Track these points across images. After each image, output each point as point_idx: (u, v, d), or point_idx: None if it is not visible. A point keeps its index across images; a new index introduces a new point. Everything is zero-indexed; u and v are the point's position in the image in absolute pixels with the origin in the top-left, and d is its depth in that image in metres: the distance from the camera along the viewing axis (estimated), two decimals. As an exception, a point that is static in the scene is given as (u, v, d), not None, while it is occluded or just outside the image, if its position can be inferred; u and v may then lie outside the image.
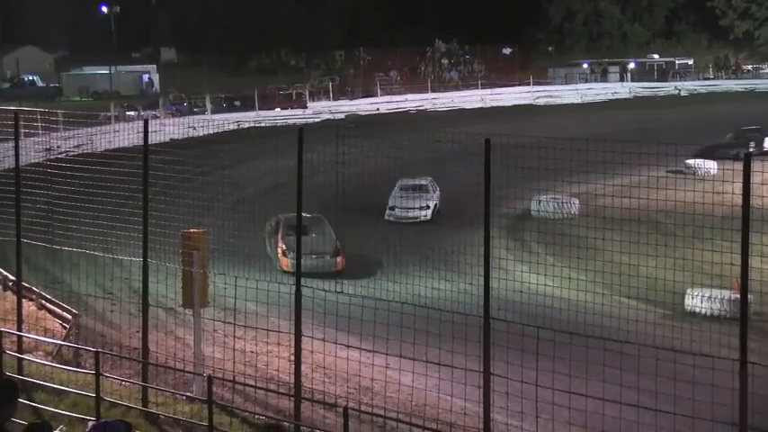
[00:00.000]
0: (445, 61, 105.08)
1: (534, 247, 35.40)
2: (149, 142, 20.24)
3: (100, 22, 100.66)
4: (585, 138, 16.61)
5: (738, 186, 13.51)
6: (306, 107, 74.54)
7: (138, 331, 21.61)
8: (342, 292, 19.15)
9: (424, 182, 45.53)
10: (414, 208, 43.41)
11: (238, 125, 63.57)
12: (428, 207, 43.92)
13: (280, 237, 36.07)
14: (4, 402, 8.22)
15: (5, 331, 20.81)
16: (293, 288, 18.24)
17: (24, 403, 17.38)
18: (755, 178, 13.60)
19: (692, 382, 14.92)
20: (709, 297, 28.47)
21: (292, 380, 18.83)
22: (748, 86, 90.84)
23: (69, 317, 23.94)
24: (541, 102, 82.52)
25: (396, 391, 20.07)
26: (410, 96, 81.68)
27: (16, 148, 21.67)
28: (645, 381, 16.23)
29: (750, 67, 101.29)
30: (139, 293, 21.39)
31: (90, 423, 7.82)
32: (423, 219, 43.27)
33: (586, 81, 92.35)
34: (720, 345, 16.52)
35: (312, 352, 19.99)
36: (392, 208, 43.65)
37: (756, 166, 13.42)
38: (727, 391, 14.28)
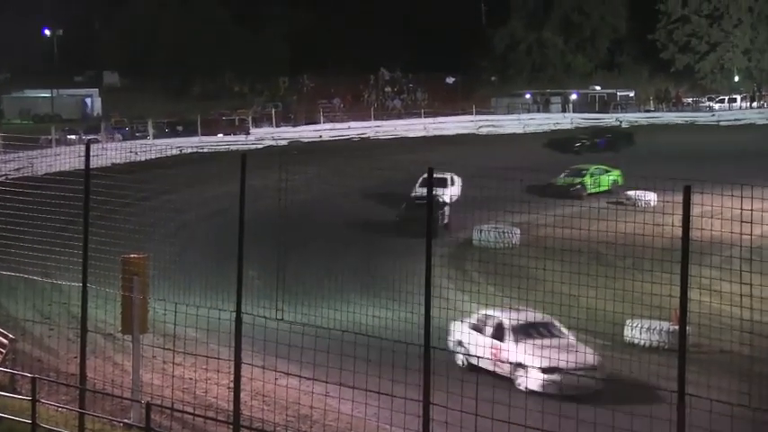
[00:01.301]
0: (389, 89, 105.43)
1: (475, 277, 35.51)
2: (91, 166, 20.09)
3: (42, 45, 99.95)
4: (527, 168, 16.71)
5: (678, 218, 13.64)
6: (248, 133, 74.52)
7: (75, 357, 21.39)
8: (282, 319, 19.07)
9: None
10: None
11: (180, 150, 63.41)
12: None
13: None
14: None
15: (-60, 356, 20.52)
16: (233, 315, 18.15)
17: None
18: (695, 210, 13.74)
19: (631, 413, 15.02)
20: (648, 328, 28.69)
21: (231, 407, 18.71)
22: (688, 119, 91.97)
23: (6, 341, 23.65)
24: (484, 131, 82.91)
25: (335, 419, 20.01)
26: (353, 124, 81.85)
27: (-45, 170, 21.43)
28: (584, 412, 16.30)
29: (690, 99, 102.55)
30: (78, 319, 21.19)
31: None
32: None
33: (529, 111, 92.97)
34: (659, 376, 16.64)
35: (252, 379, 19.87)
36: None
37: (696, 198, 13.54)
38: (665, 423, 14.38)
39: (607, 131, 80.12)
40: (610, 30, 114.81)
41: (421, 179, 45.67)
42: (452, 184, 49.42)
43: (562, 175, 57.02)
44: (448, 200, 46.19)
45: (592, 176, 58.06)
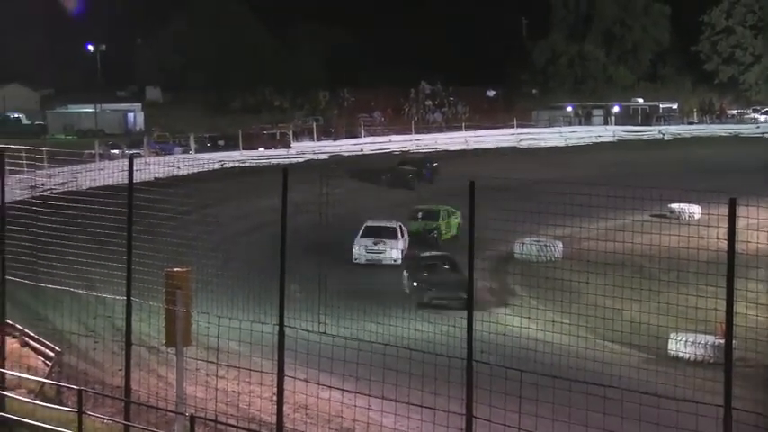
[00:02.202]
0: (429, 103, 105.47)
1: (517, 290, 35.42)
2: (134, 180, 20.22)
3: (86, 61, 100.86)
4: (569, 181, 16.64)
5: (723, 231, 13.54)
6: (289, 147, 74.67)
7: (120, 369, 21.49)
8: (325, 332, 19.10)
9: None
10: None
11: (222, 164, 63.68)
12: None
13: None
14: None
15: (-13, 368, 20.70)
16: (276, 328, 18.19)
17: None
18: (740, 223, 13.63)
19: (675, 427, 14.89)
20: (693, 342, 28.49)
21: (274, 420, 18.74)
22: (732, 131, 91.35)
23: (52, 354, 23.83)
24: (525, 144, 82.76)
25: (378, 432, 19.98)
26: (394, 137, 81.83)
27: (2, 185, 21.61)
28: (628, 425, 16.19)
29: (735, 111, 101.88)
30: (122, 332, 21.30)
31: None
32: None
33: (570, 124, 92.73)
34: (704, 390, 16.50)
35: (294, 392, 19.92)
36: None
37: (741, 211, 13.44)
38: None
39: (426, 160, 69.75)
40: (652, 42, 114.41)
41: (363, 228, 45.18)
42: (402, 235, 46.08)
43: (418, 217, 49.90)
44: (396, 256, 44.41)
45: (443, 220, 49.60)
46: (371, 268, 43.58)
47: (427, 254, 41.60)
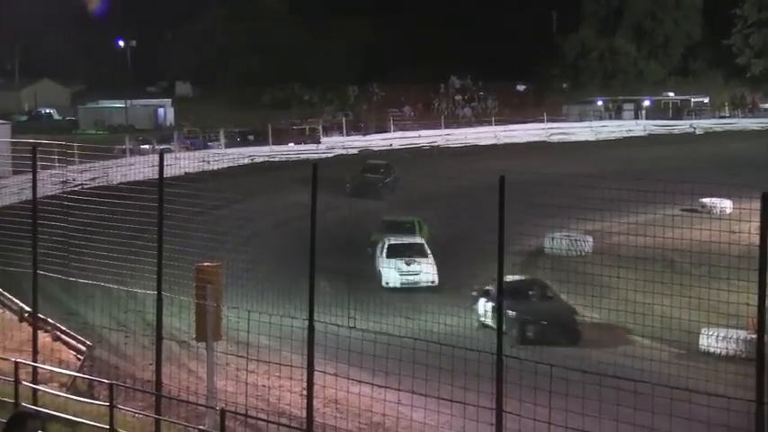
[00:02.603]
0: (459, 97, 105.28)
1: (548, 284, 35.30)
2: (164, 175, 20.30)
3: (116, 56, 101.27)
4: (599, 175, 16.60)
5: (754, 226, 13.46)
6: (319, 142, 74.72)
7: (151, 364, 21.59)
8: (354, 327, 19.12)
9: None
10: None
11: (252, 159, 63.87)
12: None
13: None
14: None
15: (21, 362, 20.82)
16: (306, 323, 18.23)
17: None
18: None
19: (707, 422, 14.83)
20: (725, 337, 28.33)
21: (304, 414, 18.77)
22: (765, 125, 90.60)
23: (84, 348, 23.98)
24: (555, 139, 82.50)
25: (407, 426, 19.98)
26: (423, 132, 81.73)
27: (34, 180, 21.75)
28: (659, 420, 16.13)
29: (767, 105, 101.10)
30: (153, 326, 21.39)
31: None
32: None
33: (601, 118, 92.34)
34: (736, 385, 16.43)
35: (324, 387, 19.95)
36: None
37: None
38: (743, 433, 14.20)
39: (389, 166, 61.52)
40: (683, 35, 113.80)
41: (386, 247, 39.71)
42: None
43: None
44: (434, 278, 38.50)
45: (420, 231, 44.14)
46: (406, 293, 37.30)
47: (511, 278, 30.77)
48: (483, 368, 16.39)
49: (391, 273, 38.74)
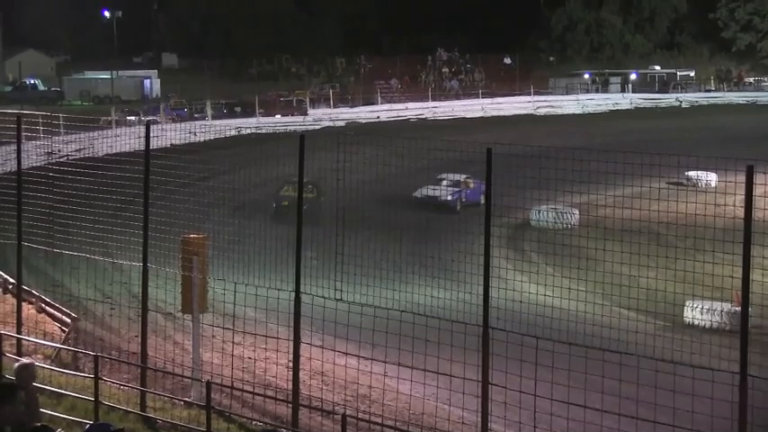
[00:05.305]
0: (446, 70, 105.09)
1: (533, 257, 35.38)
2: (150, 147, 20.25)
3: (102, 27, 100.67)
4: (586, 148, 16.61)
5: (739, 199, 13.50)
6: (306, 114, 74.57)
7: (136, 336, 21.60)
8: (341, 299, 19.12)
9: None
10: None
11: (239, 131, 63.67)
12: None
13: None
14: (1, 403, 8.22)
15: (5, 334, 20.80)
16: (292, 295, 18.23)
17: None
18: (757, 190, 13.57)
19: (691, 394, 14.89)
20: (709, 309, 28.42)
21: (290, 386, 18.82)
22: (750, 99, 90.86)
23: (68, 320, 23.93)
24: (542, 112, 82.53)
25: (393, 399, 20.05)
26: (410, 105, 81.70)
27: (18, 151, 21.69)
28: (643, 392, 16.21)
29: (752, 79, 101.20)
30: (138, 298, 21.39)
31: (87, 425, 7.83)
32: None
33: (587, 91, 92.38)
34: (720, 357, 16.50)
35: (310, 359, 19.97)
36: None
37: (759, 178, 13.38)
38: (727, 405, 14.27)
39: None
40: (670, 9, 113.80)
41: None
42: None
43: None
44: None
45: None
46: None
47: None
48: (470, 340, 16.43)
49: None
